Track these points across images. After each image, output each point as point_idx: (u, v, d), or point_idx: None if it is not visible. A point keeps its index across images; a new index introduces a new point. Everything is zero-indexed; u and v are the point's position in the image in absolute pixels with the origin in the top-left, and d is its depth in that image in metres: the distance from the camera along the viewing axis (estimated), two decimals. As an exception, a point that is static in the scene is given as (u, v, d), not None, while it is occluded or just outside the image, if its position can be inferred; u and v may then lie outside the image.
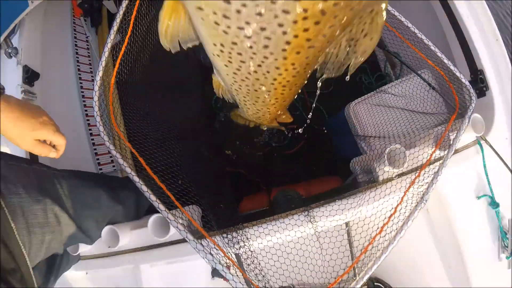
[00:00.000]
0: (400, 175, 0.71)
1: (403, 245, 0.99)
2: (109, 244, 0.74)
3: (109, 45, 0.73)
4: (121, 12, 0.81)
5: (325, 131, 1.39)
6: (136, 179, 0.57)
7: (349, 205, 0.65)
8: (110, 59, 0.81)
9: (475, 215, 1.01)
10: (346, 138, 1.13)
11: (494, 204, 1.01)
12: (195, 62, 1.25)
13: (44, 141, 0.62)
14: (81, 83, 1.63)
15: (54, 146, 0.64)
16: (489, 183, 0.98)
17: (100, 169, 1.51)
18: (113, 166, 1.57)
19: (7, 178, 0.53)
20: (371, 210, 0.65)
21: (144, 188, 0.56)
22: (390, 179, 0.70)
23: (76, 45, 1.72)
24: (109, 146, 0.62)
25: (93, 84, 1.73)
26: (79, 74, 1.65)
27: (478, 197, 0.99)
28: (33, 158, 1.07)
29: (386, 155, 0.66)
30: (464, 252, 0.99)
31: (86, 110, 1.56)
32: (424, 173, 0.69)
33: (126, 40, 0.80)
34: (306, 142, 1.40)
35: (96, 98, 0.69)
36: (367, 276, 0.59)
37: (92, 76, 1.72)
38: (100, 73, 0.72)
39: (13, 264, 0.48)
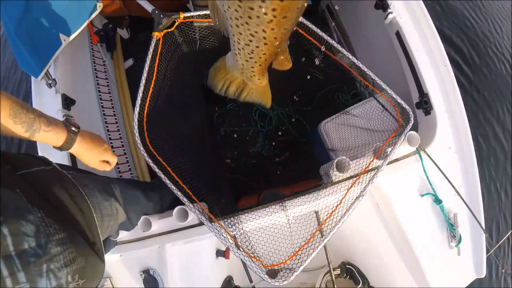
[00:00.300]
0: (346, 178, 1.05)
1: (366, 236, 1.32)
2: (144, 229, 1.09)
3: (141, 94, 1.08)
4: (148, 63, 1.17)
5: (308, 141, 1.75)
6: (168, 181, 0.92)
7: (309, 199, 1.00)
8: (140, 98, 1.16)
9: (421, 210, 1.32)
10: (322, 148, 1.48)
11: (437, 200, 1.33)
12: (199, 89, 1.62)
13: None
14: (102, 103, 1.98)
15: (107, 162, 0.99)
16: (430, 184, 1.32)
17: (120, 175, 1.87)
18: (131, 173, 1.93)
19: (88, 185, 0.88)
20: (324, 202, 0.99)
21: (173, 187, 0.91)
22: (339, 181, 1.04)
23: (95, 69, 2.08)
24: (151, 164, 0.96)
25: (111, 104, 2.09)
26: (100, 95, 2.00)
27: (422, 195, 1.33)
28: (74, 164, 1.43)
29: (334, 164, 1.00)
30: (412, 241, 1.29)
31: (107, 127, 1.92)
32: (364, 177, 1.04)
33: (152, 83, 1.15)
34: (292, 151, 1.76)
35: (136, 128, 1.04)
36: (320, 247, 0.94)
37: (110, 96, 2.08)
38: (137, 109, 1.08)
39: (93, 239, 0.83)
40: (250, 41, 0.62)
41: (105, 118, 1.95)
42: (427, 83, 1.44)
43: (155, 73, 1.18)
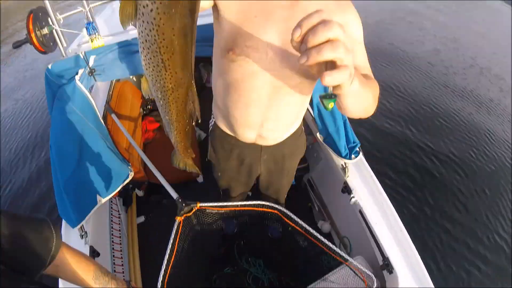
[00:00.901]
0: None
1: None
2: None
3: (164, 266, 1.52)
4: (171, 241, 1.64)
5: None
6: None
7: None
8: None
9: None
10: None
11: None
12: (205, 257, 2.06)
13: None
14: (113, 253, 2.34)
15: None
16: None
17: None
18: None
19: None
20: None
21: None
22: None
23: (111, 220, 2.51)
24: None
25: (121, 254, 2.46)
26: (112, 245, 2.38)
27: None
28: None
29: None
30: None
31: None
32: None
33: (173, 257, 1.60)
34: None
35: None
36: None
37: (120, 247, 2.46)
38: (161, 278, 1.48)
39: None
40: (172, 126, 0.98)
41: (114, 267, 2.28)
42: (386, 249, 1.90)
43: (175, 249, 1.65)
